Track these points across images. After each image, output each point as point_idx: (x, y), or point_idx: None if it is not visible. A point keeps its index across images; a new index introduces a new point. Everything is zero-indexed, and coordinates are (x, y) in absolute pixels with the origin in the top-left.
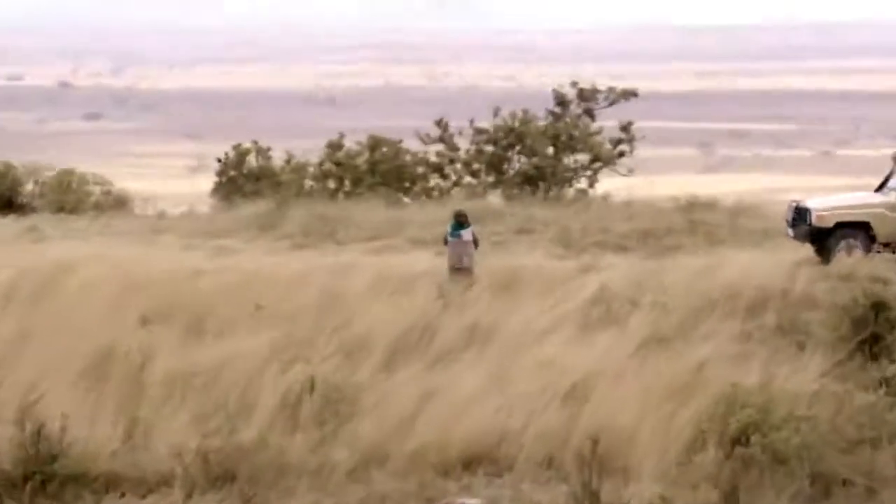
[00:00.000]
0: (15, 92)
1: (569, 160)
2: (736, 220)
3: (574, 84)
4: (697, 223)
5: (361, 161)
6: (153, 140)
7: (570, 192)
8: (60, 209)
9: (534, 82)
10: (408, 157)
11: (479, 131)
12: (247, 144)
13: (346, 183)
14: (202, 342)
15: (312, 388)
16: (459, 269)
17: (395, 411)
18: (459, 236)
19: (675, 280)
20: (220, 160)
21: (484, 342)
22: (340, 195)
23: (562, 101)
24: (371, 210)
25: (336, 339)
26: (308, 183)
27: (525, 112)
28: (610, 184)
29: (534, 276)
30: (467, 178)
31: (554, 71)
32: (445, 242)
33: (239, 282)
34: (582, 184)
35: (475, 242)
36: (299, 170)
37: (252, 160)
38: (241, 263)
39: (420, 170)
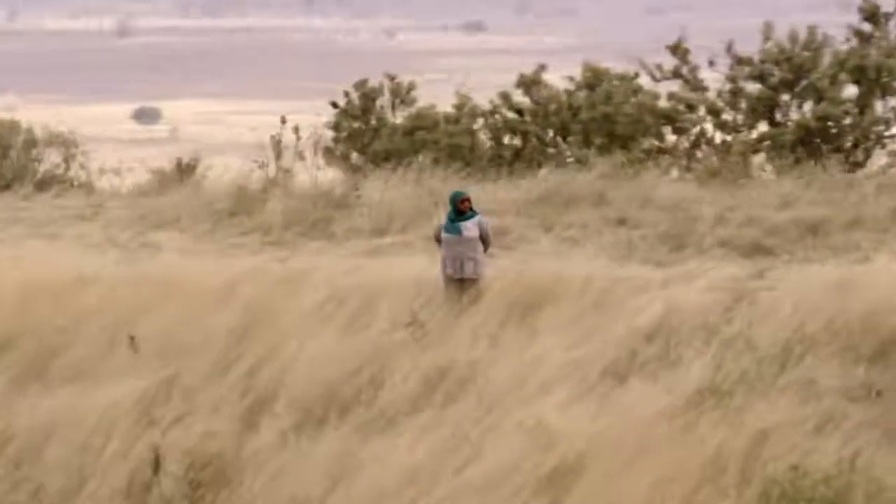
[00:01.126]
0: None
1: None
2: None
3: None
4: None
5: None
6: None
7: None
8: None
9: None
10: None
11: (740, 61)
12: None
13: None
14: (39, 390)
15: (157, 466)
16: (461, 281)
17: (289, 496)
18: (459, 231)
19: (791, 300)
20: (336, 105)
21: (452, 396)
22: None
23: (873, 14)
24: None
25: (240, 387)
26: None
27: (813, 32)
28: None
29: (579, 291)
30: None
31: None
32: (438, 241)
33: (128, 298)
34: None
35: (484, 240)
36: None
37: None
38: (155, 269)
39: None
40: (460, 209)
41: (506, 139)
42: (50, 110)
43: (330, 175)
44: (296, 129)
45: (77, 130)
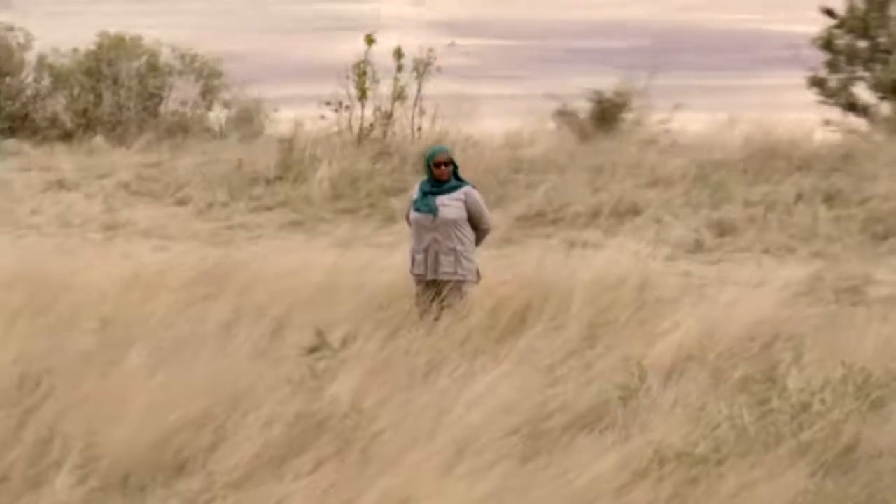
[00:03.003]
0: None
1: None
2: None
3: None
4: None
5: None
6: None
7: None
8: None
9: None
10: None
11: None
12: None
13: None
14: None
15: None
16: (434, 285)
17: None
18: (433, 209)
19: None
20: (832, 13)
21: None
22: None
23: None
24: None
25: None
26: None
27: None
28: None
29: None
30: None
31: None
32: (410, 221)
33: None
34: None
35: (476, 223)
36: None
37: None
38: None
39: None
40: (437, 175)
41: None
42: None
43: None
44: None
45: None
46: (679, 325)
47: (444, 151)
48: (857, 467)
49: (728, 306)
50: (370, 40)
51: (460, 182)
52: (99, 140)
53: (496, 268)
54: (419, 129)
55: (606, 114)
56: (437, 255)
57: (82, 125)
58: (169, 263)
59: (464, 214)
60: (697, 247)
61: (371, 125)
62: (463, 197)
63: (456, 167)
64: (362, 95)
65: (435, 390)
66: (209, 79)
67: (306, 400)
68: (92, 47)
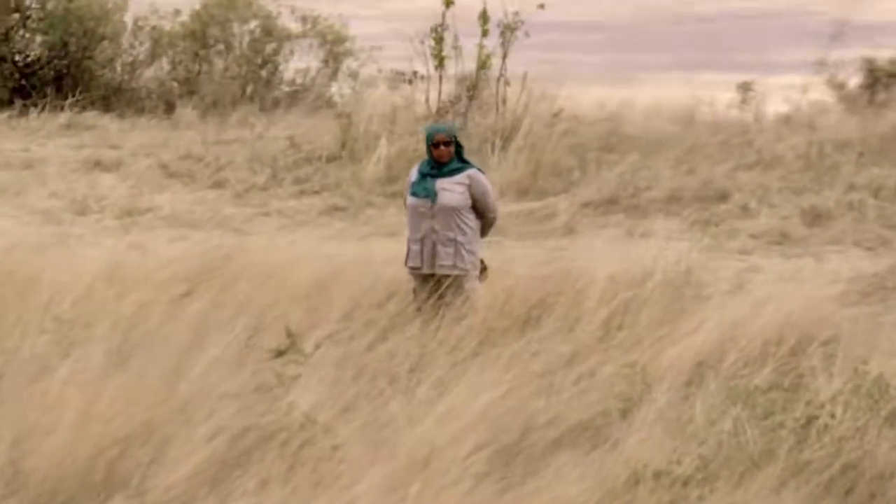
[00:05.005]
0: None
1: None
2: None
3: None
4: None
5: None
6: None
7: None
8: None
9: None
10: None
11: None
12: None
13: None
14: None
15: None
16: (432, 279)
17: None
18: (432, 194)
19: None
20: None
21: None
22: None
23: None
24: None
25: None
26: None
27: None
28: None
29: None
30: None
31: None
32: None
33: None
34: None
35: (481, 211)
36: None
37: None
38: None
39: None
40: (436, 156)
41: None
42: None
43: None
44: None
45: None
46: (702, 327)
47: (444, 130)
48: (857, 488)
49: (757, 305)
50: (448, 2)
51: (464, 164)
52: (188, 113)
53: (534, 261)
54: (504, 101)
55: None
56: (434, 245)
57: (183, 96)
58: (169, 255)
59: (467, 201)
60: (782, 238)
61: (452, 99)
62: (467, 181)
63: (460, 148)
64: (439, 64)
65: (411, 399)
66: (333, 45)
67: (262, 410)
68: (197, 8)
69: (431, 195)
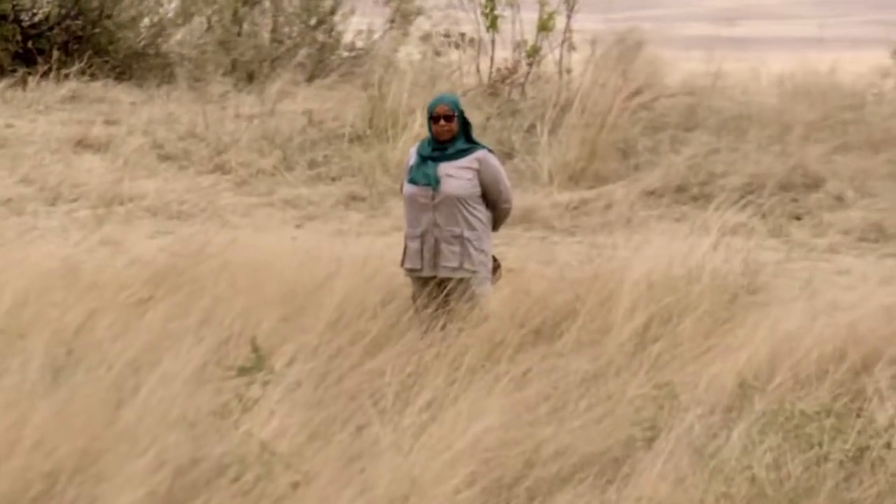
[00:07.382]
0: None
1: None
2: None
3: None
4: None
5: None
6: None
7: None
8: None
9: None
10: None
11: None
12: None
13: None
14: None
15: None
16: (433, 282)
17: None
18: (433, 180)
19: None
20: None
21: None
22: None
23: None
24: None
25: None
26: None
27: None
28: None
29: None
30: None
31: None
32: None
33: None
34: None
35: (492, 200)
36: None
37: None
38: None
39: None
40: (436, 133)
41: None
42: None
43: None
44: None
45: None
46: (751, 339)
47: (447, 101)
48: None
49: (817, 314)
50: None
51: (472, 144)
52: (221, 83)
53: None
54: (568, 71)
55: None
56: (436, 242)
57: (219, 64)
58: (141, 253)
59: (475, 189)
60: (878, 235)
61: (509, 67)
62: (476, 165)
63: (467, 124)
64: (491, 25)
65: (396, 426)
66: (402, 2)
67: (214, 439)
68: None
69: (433, 182)
